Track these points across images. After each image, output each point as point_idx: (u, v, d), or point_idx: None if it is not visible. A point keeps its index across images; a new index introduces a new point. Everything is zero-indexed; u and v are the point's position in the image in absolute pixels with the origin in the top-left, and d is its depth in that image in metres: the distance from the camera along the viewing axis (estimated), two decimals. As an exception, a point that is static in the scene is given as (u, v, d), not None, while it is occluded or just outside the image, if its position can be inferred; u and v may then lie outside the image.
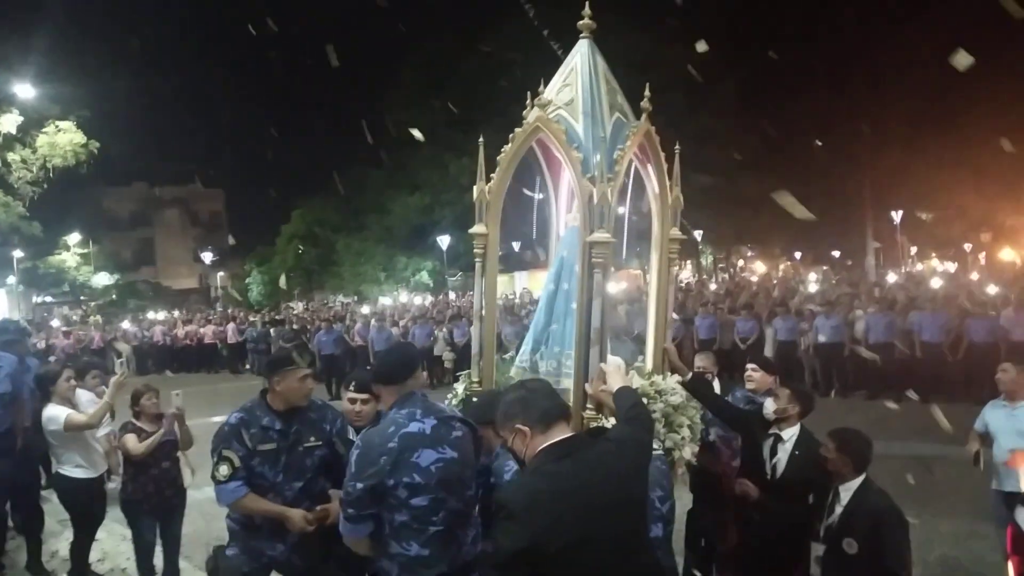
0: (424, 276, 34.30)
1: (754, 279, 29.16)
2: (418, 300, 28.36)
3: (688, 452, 3.86)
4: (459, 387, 4.30)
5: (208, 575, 5.09)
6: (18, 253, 30.17)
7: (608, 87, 4.04)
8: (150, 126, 43.40)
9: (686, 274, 42.31)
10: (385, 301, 29.02)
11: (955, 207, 30.84)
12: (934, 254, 42.51)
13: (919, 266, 37.97)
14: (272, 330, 19.77)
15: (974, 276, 24.80)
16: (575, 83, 4.00)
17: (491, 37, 28.77)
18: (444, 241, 30.97)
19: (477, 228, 4.12)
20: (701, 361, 5.38)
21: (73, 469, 5.26)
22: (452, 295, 30.47)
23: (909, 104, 28.80)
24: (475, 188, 4.11)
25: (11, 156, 19.20)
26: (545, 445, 2.49)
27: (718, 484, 4.49)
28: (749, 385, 4.74)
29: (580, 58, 4.04)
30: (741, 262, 46.20)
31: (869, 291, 17.81)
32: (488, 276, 4.19)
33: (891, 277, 25.77)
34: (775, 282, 27.06)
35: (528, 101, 3.99)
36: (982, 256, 34.36)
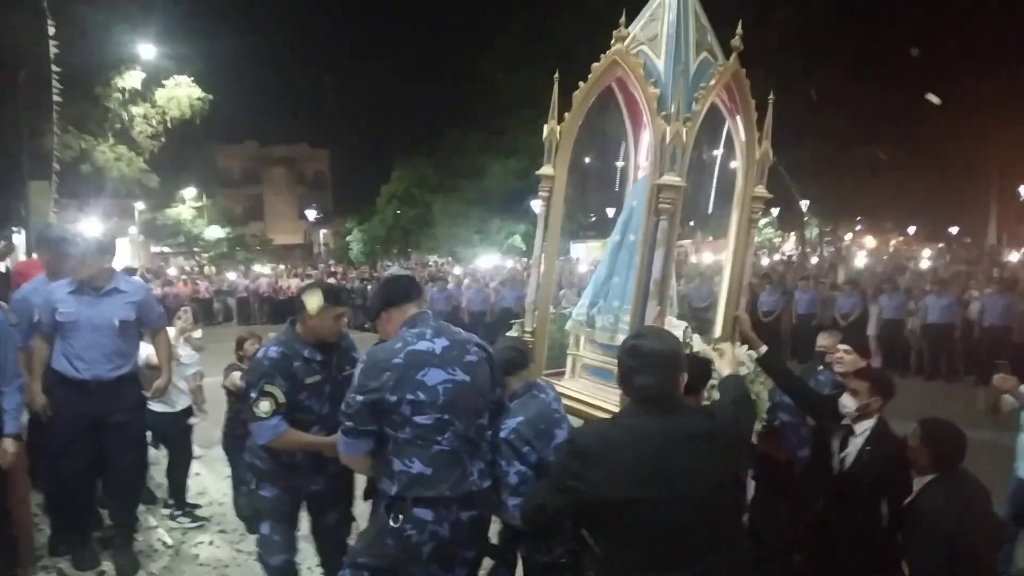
0: (517, 240, 34.41)
1: (862, 254, 27.77)
2: (511, 263, 28.53)
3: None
4: (513, 334, 4.10)
5: (243, 520, 5.20)
6: (139, 205, 32.10)
7: (698, 24, 3.73)
8: (261, 86, 44.99)
9: (789, 246, 40.80)
10: (479, 263, 29.34)
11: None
12: (1065, 234, 39.35)
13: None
14: (369, 286, 20.37)
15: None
16: (661, 18, 3.69)
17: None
18: (538, 206, 30.87)
19: (545, 169, 3.93)
20: (824, 340, 4.77)
21: (154, 404, 5.49)
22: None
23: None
24: (545, 127, 3.90)
25: (135, 110, 20.35)
26: (634, 400, 2.52)
27: (781, 473, 4.17)
28: (838, 368, 4.26)
29: None
30: (849, 235, 44.07)
31: (987, 270, 16.70)
32: (551, 221, 4.00)
33: (1013, 256, 24.05)
34: (884, 257, 25.72)
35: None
36: (1121, 238, 31.49)
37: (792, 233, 42.03)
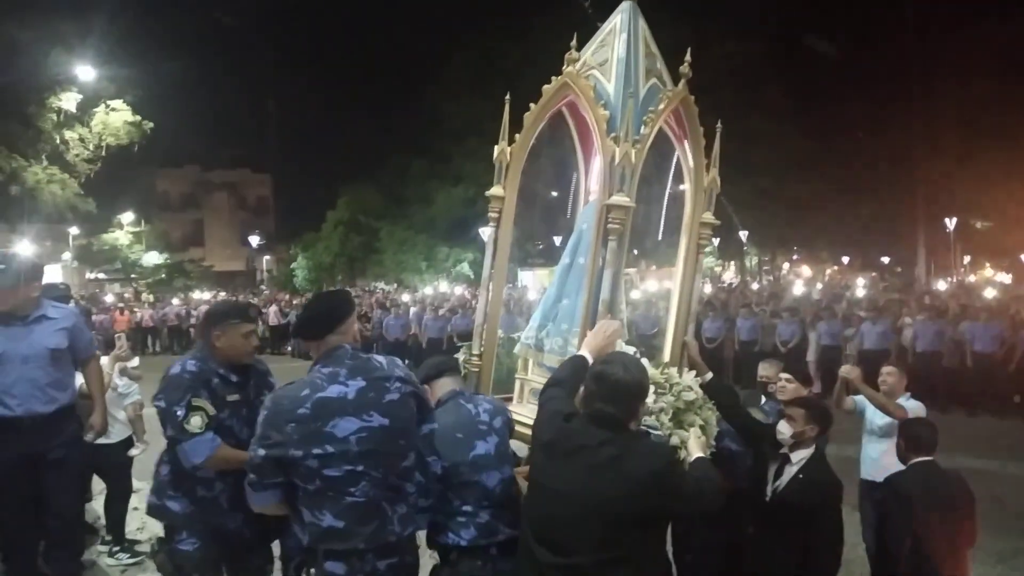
0: (465, 267, 34.41)
1: (799, 282, 28.61)
2: (458, 290, 28.49)
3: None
4: (460, 357, 4.03)
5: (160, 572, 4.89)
6: (74, 230, 31.06)
7: (647, 51, 3.77)
8: (203, 110, 44.19)
9: (729, 275, 41.80)
10: (426, 290, 29.22)
11: (1011, 217, 29.81)
12: (988, 264, 41.23)
13: (972, 276, 36.84)
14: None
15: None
16: (612, 44, 3.73)
17: (537, 29, 28.70)
18: (486, 233, 30.95)
19: (495, 190, 3.90)
20: (765, 370, 4.88)
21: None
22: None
23: (964, 110, 27.99)
24: (496, 148, 3.88)
25: (69, 134, 19.77)
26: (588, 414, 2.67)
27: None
28: (781, 396, 4.37)
29: (620, 18, 3.77)
30: (787, 265, 45.42)
31: (919, 298, 17.36)
32: (500, 243, 3.96)
33: (942, 285, 25.08)
34: (820, 286, 26.54)
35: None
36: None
37: (732, 262, 43.10)
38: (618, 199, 3.44)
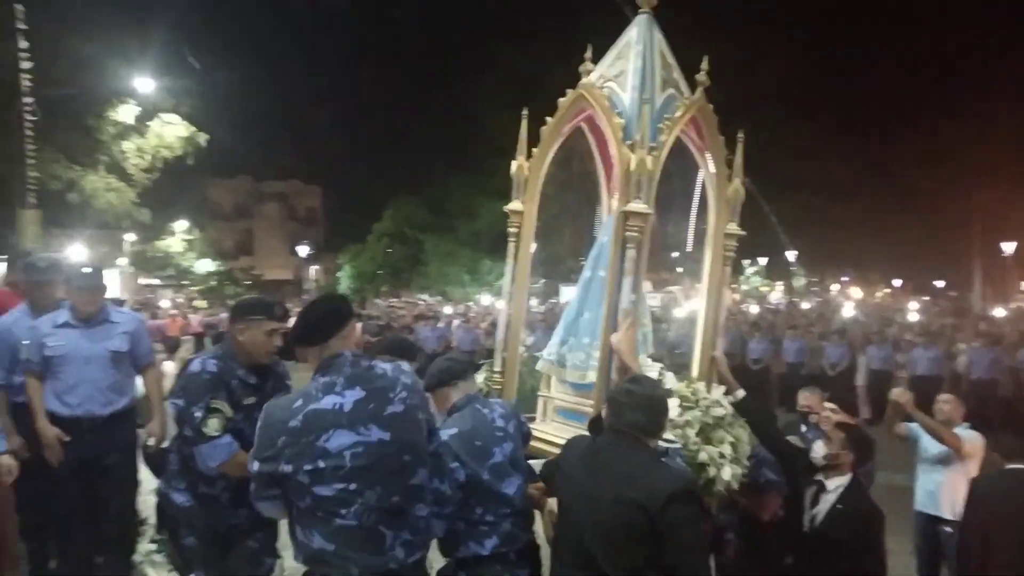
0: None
1: (849, 305, 27.95)
2: (500, 304, 28.57)
3: (728, 473, 3.33)
4: (479, 377, 3.96)
5: (177, 569, 4.66)
6: (129, 236, 31.96)
7: (663, 62, 3.77)
8: (257, 121, 45.22)
9: (776, 295, 41.08)
10: (470, 303, 29.33)
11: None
12: (1049, 290, 39.81)
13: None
14: (359, 324, 20.23)
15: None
16: (627, 55, 3.74)
17: (581, 44, 28.76)
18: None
19: (513, 205, 3.93)
20: (805, 399, 4.71)
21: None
22: (534, 301, 30.52)
23: (1022, 133, 27.17)
24: (513, 163, 3.91)
25: (127, 145, 20.39)
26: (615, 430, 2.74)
27: (764, 532, 3.81)
28: (825, 426, 4.16)
29: (636, 31, 3.77)
30: (836, 286, 44.46)
31: (974, 324, 16.82)
32: (520, 257, 3.96)
33: (999, 311, 24.26)
34: (870, 309, 25.88)
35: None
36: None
37: (780, 282, 42.35)
38: (636, 206, 3.43)
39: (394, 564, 2.50)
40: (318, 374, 2.58)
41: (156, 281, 38.79)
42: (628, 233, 3.47)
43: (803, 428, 4.48)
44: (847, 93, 31.24)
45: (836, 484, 3.61)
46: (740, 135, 3.84)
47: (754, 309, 24.51)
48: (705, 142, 3.83)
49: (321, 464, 2.43)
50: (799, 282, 42.00)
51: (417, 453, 2.60)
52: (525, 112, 3.86)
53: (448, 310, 23.74)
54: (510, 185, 4.06)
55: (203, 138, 21.17)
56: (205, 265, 39.70)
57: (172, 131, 20.53)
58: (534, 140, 3.94)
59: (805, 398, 4.74)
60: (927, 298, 37.02)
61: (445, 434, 2.89)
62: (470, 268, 34.88)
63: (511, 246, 3.96)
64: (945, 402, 5.03)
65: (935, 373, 12.32)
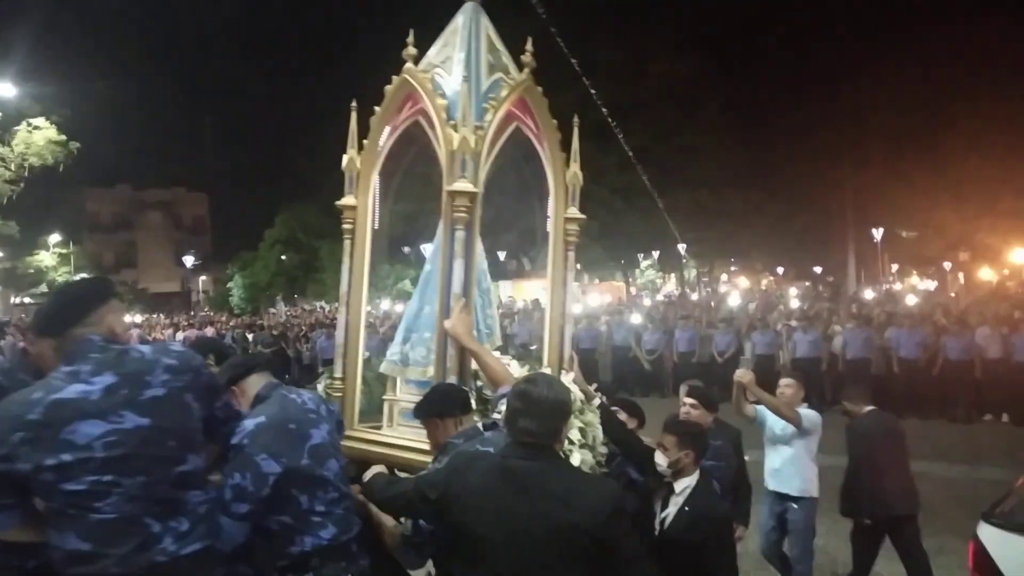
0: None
1: (736, 293, 29.28)
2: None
3: (578, 459, 3.31)
4: (320, 386, 3.88)
5: None
6: (-3, 253, 29.84)
7: (490, 46, 3.78)
8: (136, 129, 43.12)
9: (670, 287, 42.52)
10: (368, 308, 28.92)
11: (935, 226, 31.14)
12: (915, 272, 42.98)
13: (899, 284, 38.32)
14: (251, 335, 19.63)
15: (952, 295, 25.10)
16: (453, 42, 3.75)
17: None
18: (427, 250, 30.91)
19: (346, 200, 3.75)
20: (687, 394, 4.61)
21: None
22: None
23: (890, 122, 29.19)
24: (344, 157, 3.76)
25: (-11, 153, 18.99)
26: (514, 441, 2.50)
27: None
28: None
29: (462, 18, 3.78)
30: (725, 276, 46.46)
31: (847, 307, 17.97)
32: (356, 255, 3.78)
33: (869, 293, 25.99)
34: (756, 296, 27.22)
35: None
36: (960, 275, 34.69)
37: (672, 274, 43.86)
38: (461, 185, 3.35)
39: (163, 557, 2.26)
40: (61, 364, 2.31)
41: (28, 300, 36.39)
42: (456, 214, 3.37)
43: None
44: (732, 91, 32.65)
45: (683, 485, 3.48)
46: (575, 119, 3.84)
47: (647, 302, 25.33)
48: (538, 126, 3.80)
49: (67, 458, 2.19)
50: (691, 273, 43.66)
51: (185, 438, 2.38)
52: (354, 104, 3.73)
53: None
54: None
55: (75, 146, 19.95)
56: (83, 280, 37.49)
57: (41, 136, 19.21)
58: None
59: (686, 393, 4.69)
60: (807, 283, 39.25)
61: (251, 423, 2.66)
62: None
63: (346, 243, 3.77)
64: (787, 386, 5.29)
65: (814, 355, 13.07)
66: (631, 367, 14.83)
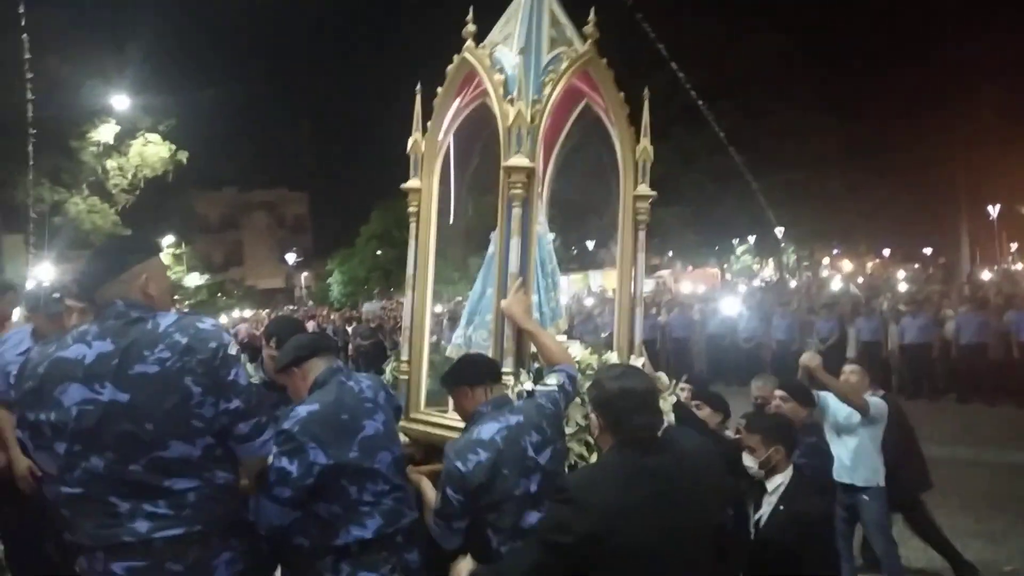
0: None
1: (838, 278, 28.09)
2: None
3: None
4: (387, 369, 3.85)
5: None
6: (118, 255, 31.92)
7: (553, 20, 3.67)
8: (240, 132, 45.10)
9: (768, 272, 41.20)
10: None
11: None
12: (1036, 250, 40.16)
13: (1019, 264, 35.82)
14: (349, 327, 20.26)
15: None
16: (515, 19, 3.67)
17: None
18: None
19: (411, 183, 3.72)
20: (759, 389, 4.59)
21: None
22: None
23: (1006, 95, 27.29)
24: (410, 139, 3.72)
25: (109, 163, 20.36)
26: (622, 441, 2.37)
27: None
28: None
29: None
30: (826, 260, 44.64)
31: (960, 289, 16.96)
32: (422, 238, 3.74)
33: (986, 275, 24.43)
34: (861, 280, 26.04)
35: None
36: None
37: (770, 259, 42.48)
38: (516, 160, 3.27)
39: (130, 537, 2.16)
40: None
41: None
42: (512, 191, 3.29)
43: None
44: (826, 67, 31.29)
45: (776, 483, 3.27)
46: (646, 93, 3.64)
47: (742, 288, 24.64)
48: (603, 98, 3.67)
49: (53, 417, 2.17)
50: (789, 258, 42.17)
51: (170, 423, 2.18)
52: (418, 87, 3.70)
53: (438, 308, 23.79)
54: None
55: (184, 155, 21.14)
56: (194, 279, 39.62)
57: (153, 151, 20.47)
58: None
59: (758, 388, 4.61)
60: (916, 265, 37.25)
61: (304, 410, 2.62)
62: (458, 265, 34.90)
63: (412, 227, 3.74)
64: (851, 372, 5.02)
65: (925, 340, 12.43)
66: (726, 356, 14.53)
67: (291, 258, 47.78)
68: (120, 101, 19.51)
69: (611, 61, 3.64)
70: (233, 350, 2.31)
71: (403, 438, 3.24)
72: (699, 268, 36.31)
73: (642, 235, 3.73)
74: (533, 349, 3.36)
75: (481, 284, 3.76)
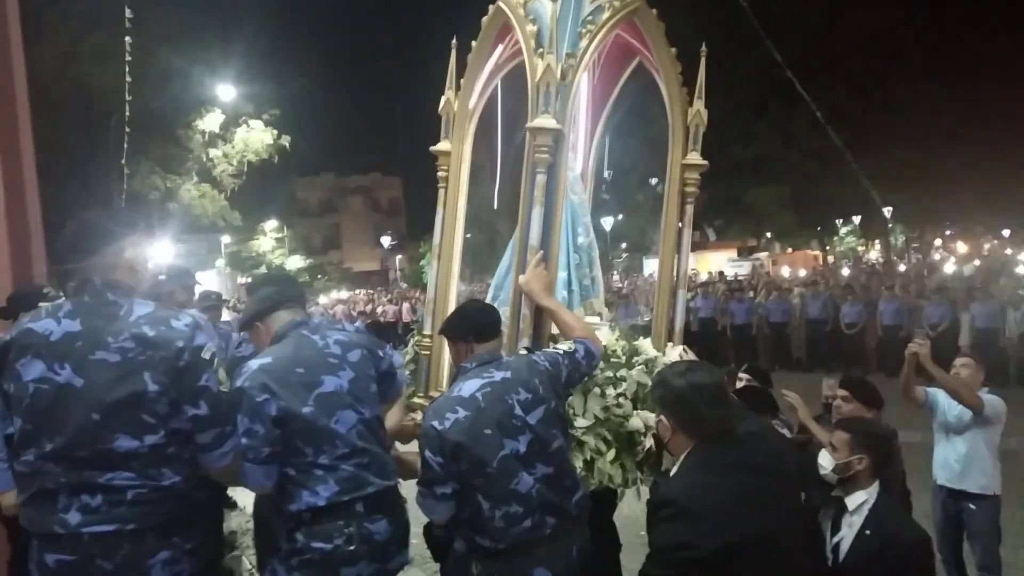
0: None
1: (951, 260, 26.55)
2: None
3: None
4: (410, 344, 3.62)
5: None
6: (226, 238, 33.52)
7: None
8: (336, 119, 46.46)
9: (874, 254, 39.34)
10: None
11: None
12: None
13: None
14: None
15: None
16: None
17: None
18: (607, 223, 30.82)
19: (440, 145, 3.42)
20: (830, 388, 4.09)
21: None
22: (615, 276, 30.24)
23: None
24: (442, 98, 3.41)
25: (214, 152, 21.36)
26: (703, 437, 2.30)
27: None
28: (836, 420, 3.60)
29: None
30: (939, 241, 42.23)
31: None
32: (450, 203, 3.46)
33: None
34: (976, 263, 24.48)
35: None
36: None
37: (876, 240, 40.57)
38: (542, 121, 2.93)
39: (60, 528, 2.10)
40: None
41: (251, 279, 40.45)
42: (537, 155, 2.95)
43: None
44: (936, 36, 29.40)
45: (858, 501, 2.76)
46: (703, 49, 3.27)
47: (845, 271, 23.61)
48: (652, 56, 3.30)
49: (12, 389, 2.12)
50: (897, 239, 40.11)
51: (120, 417, 2.10)
52: (454, 42, 3.40)
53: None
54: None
55: (286, 140, 21.94)
56: (295, 262, 41.20)
57: (257, 136, 21.36)
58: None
59: (829, 387, 4.18)
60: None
61: (256, 363, 2.46)
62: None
63: (440, 192, 3.46)
64: (963, 366, 4.42)
65: (1047, 328, 11.59)
66: (827, 342, 13.96)
67: (386, 241, 48.87)
68: (226, 91, 20.41)
69: (712, 35, 3.42)
70: (207, 354, 2.20)
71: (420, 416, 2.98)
72: (799, 250, 35.03)
73: (690, 208, 3.40)
74: (555, 330, 3.09)
75: (508, 259, 3.53)
